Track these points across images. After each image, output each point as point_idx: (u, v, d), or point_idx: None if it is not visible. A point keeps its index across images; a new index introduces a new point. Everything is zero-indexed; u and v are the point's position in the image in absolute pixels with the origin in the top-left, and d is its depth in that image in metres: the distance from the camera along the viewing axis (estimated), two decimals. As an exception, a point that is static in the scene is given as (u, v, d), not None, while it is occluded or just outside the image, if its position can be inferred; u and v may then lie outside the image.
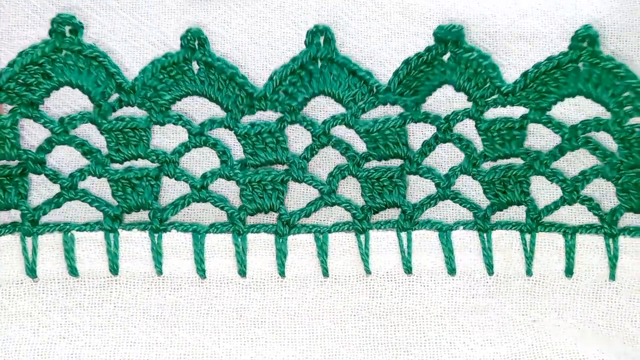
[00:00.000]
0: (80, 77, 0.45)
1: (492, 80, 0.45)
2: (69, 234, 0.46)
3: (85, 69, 0.45)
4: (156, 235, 0.46)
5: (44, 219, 0.47)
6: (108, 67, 0.45)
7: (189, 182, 0.46)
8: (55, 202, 0.46)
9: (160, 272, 0.47)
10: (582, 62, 0.44)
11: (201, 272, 0.46)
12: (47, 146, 0.46)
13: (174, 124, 0.47)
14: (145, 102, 0.46)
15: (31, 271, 0.46)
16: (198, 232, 0.46)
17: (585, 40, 0.44)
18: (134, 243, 0.47)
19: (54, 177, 0.46)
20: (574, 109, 0.47)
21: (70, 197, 0.47)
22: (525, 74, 0.45)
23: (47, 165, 0.47)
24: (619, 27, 0.48)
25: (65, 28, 0.45)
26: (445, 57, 0.46)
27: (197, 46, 0.46)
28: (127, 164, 0.47)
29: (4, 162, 0.47)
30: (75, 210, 0.48)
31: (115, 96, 0.46)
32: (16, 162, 0.47)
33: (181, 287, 0.47)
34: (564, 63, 0.45)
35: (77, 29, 0.45)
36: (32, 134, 0.48)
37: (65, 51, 0.45)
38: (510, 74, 0.48)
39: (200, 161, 0.48)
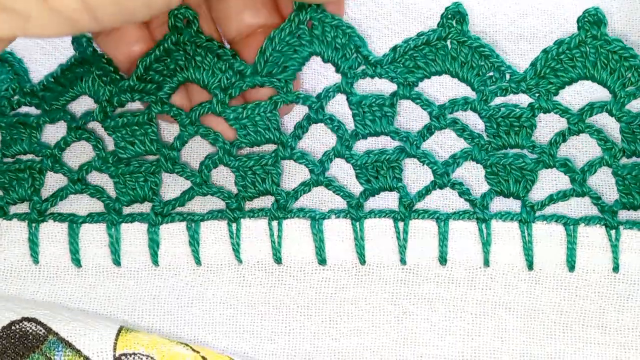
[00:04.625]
0: None
1: (359, 50, 0.44)
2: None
3: None
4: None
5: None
6: None
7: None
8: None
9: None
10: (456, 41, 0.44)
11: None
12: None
13: None
14: None
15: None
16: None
17: (455, 18, 0.44)
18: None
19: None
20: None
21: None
22: (394, 48, 0.44)
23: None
24: (619, 26, 0.48)
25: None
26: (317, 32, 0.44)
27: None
28: None
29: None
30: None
31: None
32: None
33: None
34: (432, 40, 0.44)
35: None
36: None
37: None
38: (511, 74, 0.48)
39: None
